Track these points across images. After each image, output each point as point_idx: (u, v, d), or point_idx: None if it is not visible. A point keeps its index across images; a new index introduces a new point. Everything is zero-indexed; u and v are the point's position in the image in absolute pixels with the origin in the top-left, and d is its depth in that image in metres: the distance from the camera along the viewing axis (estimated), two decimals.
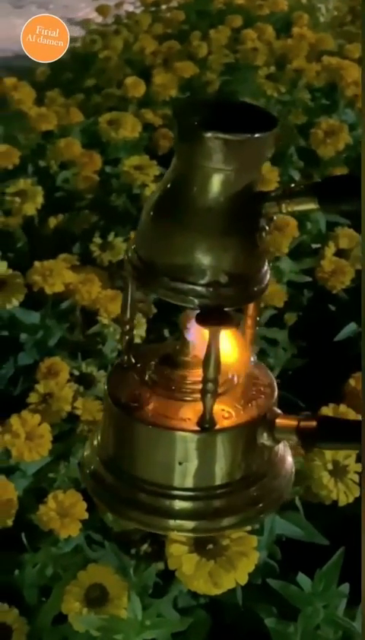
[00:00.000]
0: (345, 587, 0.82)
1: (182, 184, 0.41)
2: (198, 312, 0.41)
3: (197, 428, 0.42)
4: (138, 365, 0.47)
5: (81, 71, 2.60)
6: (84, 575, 0.76)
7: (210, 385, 0.41)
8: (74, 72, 2.62)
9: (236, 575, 0.69)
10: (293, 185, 0.42)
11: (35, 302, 1.24)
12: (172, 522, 0.43)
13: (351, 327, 1.32)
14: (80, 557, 0.83)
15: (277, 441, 0.44)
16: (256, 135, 0.39)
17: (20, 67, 2.47)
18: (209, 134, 0.39)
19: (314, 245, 1.45)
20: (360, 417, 0.43)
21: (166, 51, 2.39)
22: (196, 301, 0.41)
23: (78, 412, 1.01)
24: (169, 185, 0.42)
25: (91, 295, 1.21)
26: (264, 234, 0.42)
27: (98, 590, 0.76)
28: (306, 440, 0.43)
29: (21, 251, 1.56)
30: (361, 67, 1.72)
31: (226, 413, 0.43)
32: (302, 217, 1.41)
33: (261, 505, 0.44)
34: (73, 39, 2.85)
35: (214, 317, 0.40)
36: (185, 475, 0.42)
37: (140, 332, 1.21)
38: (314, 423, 0.43)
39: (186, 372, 0.45)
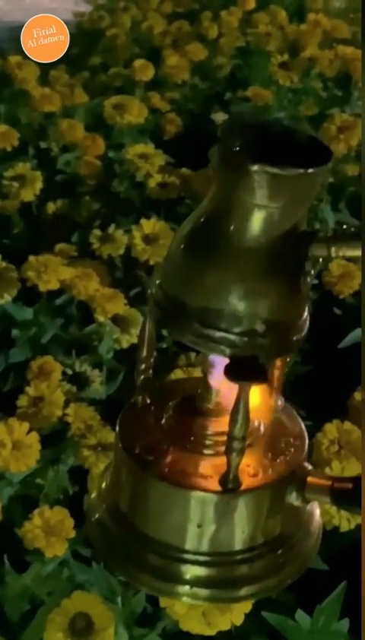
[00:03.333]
0: (345, 623, 0.77)
1: (219, 218, 0.36)
2: (226, 360, 0.36)
3: (219, 488, 0.37)
4: (153, 407, 0.42)
5: (87, 48, 2.52)
6: (69, 603, 0.72)
7: (236, 443, 0.36)
8: (80, 48, 2.55)
9: (232, 616, 0.65)
10: (344, 226, 0.36)
11: (29, 296, 1.19)
12: (184, 589, 0.38)
13: (357, 334, 1.27)
14: (66, 582, 0.78)
15: (308, 502, 0.39)
16: (310, 171, 0.34)
17: None
18: (256, 167, 0.33)
19: None
20: None
21: (176, 31, 2.32)
22: (228, 351, 0.36)
23: (69, 419, 0.96)
24: (204, 218, 0.37)
25: (88, 290, 1.16)
26: (309, 279, 0.36)
27: (83, 620, 0.71)
28: (340, 503, 0.38)
29: (18, 237, 1.50)
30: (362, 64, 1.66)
31: (252, 469, 0.38)
32: (310, 217, 1.36)
33: (285, 570, 0.39)
34: (80, 14, 2.77)
35: (245, 370, 0.35)
36: (203, 539, 0.38)
37: (138, 331, 1.16)
38: (350, 485, 0.38)
39: (208, 420, 0.40)
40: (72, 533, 0.82)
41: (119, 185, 1.63)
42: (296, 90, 1.95)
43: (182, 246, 0.37)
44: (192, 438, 0.39)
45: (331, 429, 0.95)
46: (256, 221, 0.35)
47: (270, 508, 0.38)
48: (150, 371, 0.41)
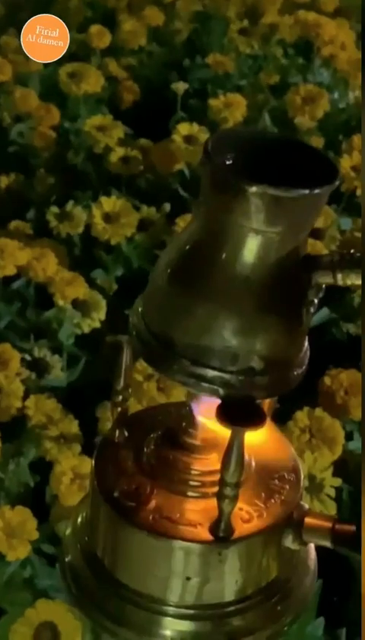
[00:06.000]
0: (320, 622, 0.75)
1: (210, 245, 0.31)
2: (218, 400, 0.32)
3: (209, 537, 0.33)
4: (132, 441, 0.37)
5: (38, 11, 2.43)
6: (33, 612, 0.68)
7: (229, 490, 0.32)
8: (31, 11, 2.45)
9: None
10: (352, 250, 0.32)
11: None
12: None
13: (324, 313, 1.24)
14: (28, 588, 0.75)
15: (305, 544, 0.35)
16: (316, 191, 0.30)
17: None
18: (254, 189, 0.29)
19: None
20: None
21: None
22: (222, 391, 0.32)
23: (29, 412, 0.92)
24: (192, 244, 0.32)
25: (46, 272, 1.11)
26: (312, 309, 0.33)
27: (48, 630, 0.68)
28: (341, 546, 0.34)
29: None
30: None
31: (245, 513, 0.34)
32: None
33: (283, 618, 0.35)
34: None
35: (240, 412, 0.31)
36: (191, 591, 0.34)
37: (99, 315, 1.12)
38: (352, 528, 0.34)
39: (193, 458, 0.36)
40: (35, 535, 0.78)
41: (75, 158, 1.57)
42: (256, 56, 1.90)
43: (167, 275, 0.33)
44: (176, 477, 0.35)
45: (302, 416, 0.93)
46: (253, 248, 0.31)
47: (265, 555, 0.34)
48: (128, 403, 0.37)
